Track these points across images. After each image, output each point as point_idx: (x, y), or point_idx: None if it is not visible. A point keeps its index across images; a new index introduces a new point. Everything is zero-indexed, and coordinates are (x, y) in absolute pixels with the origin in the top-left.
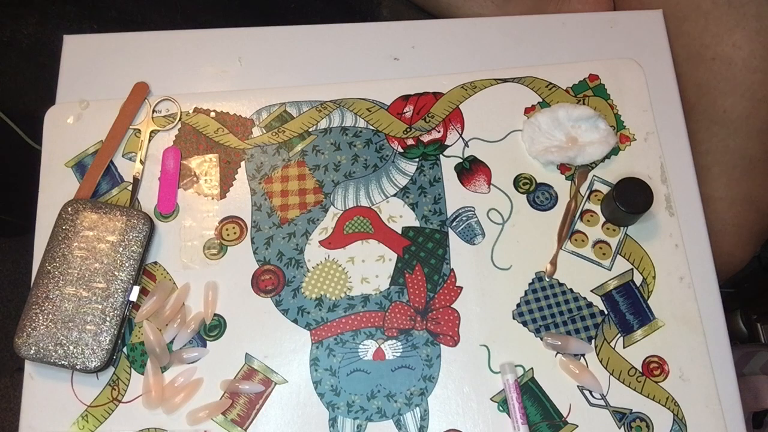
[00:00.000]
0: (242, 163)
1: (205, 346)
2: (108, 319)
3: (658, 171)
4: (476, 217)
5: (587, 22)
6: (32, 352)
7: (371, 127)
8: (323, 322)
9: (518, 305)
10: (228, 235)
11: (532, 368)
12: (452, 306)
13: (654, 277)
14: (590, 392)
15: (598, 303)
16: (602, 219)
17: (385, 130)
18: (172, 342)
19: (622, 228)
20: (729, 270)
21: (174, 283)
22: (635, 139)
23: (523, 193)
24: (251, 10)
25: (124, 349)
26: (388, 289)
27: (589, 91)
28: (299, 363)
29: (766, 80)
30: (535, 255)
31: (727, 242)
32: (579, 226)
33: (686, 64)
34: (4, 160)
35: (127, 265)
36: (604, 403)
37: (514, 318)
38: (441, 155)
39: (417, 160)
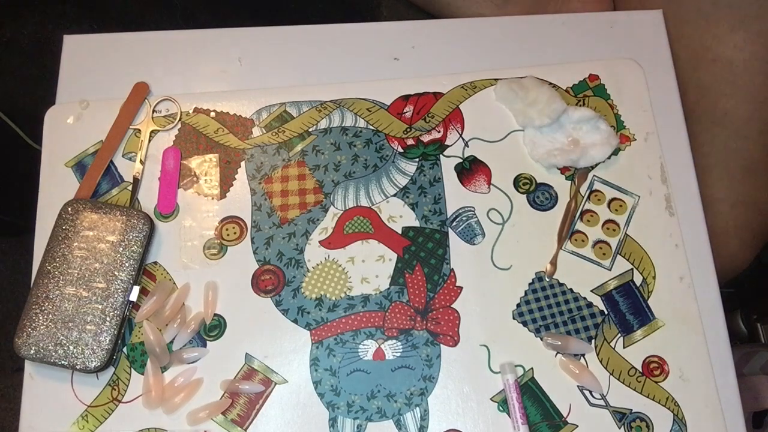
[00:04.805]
0: (242, 163)
1: (205, 346)
2: (108, 319)
3: (658, 171)
4: (476, 217)
5: (587, 22)
6: (32, 352)
7: (371, 127)
8: (323, 322)
9: (518, 305)
10: (228, 235)
11: (532, 368)
12: (452, 306)
13: (654, 277)
14: (590, 392)
15: (598, 303)
16: (602, 219)
17: (385, 130)
18: (172, 342)
19: (622, 228)
20: (731, 271)
21: (174, 283)
22: (635, 139)
23: (523, 193)
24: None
25: (124, 349)
26: (388, 289)
27: (589, 91)
28: (299, 363)
29: (767, 82)
30: (535, 255)
31: (729, 244)
32: (579, 226)
33: (687, 65)
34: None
35: (127, 265)
36: (604, 403)
37: (514, 318)
38: (441, 155)
39: (417, 160)
